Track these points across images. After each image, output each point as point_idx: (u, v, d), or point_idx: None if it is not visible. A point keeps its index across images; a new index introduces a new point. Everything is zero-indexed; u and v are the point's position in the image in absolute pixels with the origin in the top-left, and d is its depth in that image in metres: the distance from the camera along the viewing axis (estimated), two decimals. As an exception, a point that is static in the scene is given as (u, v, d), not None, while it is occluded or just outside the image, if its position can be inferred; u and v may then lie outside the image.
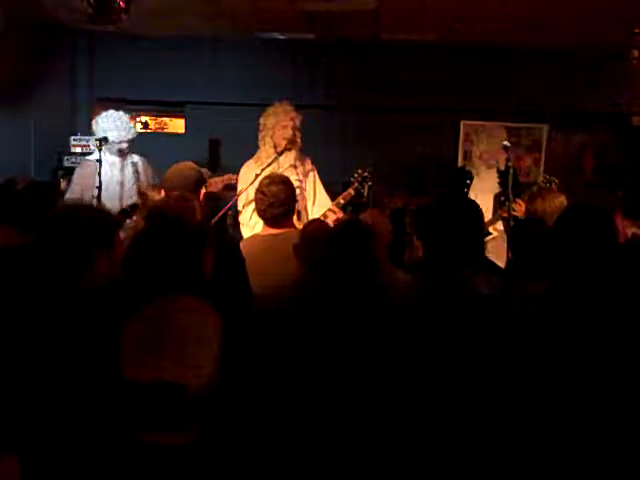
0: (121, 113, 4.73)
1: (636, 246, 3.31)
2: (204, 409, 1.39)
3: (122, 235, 4.03)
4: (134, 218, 3.95)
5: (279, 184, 3.35)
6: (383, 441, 1.90)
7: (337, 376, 1.98)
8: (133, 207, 4.08)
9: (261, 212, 3.36)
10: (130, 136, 4.69)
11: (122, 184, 4.65)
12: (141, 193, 4.52)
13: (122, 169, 4.68)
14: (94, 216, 2.23)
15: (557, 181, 4.35)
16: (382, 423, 1.92)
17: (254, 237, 3.49)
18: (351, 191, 4.18)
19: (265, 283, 2.82)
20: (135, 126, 6.90)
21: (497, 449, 1.92)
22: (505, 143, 4.37)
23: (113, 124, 4.63)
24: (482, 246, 2.57)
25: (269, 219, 3.35)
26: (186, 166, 3.63)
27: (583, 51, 5.75)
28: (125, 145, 4.67)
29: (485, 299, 2.22)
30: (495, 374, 2.02)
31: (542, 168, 6.42)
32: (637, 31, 4.80)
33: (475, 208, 2.58)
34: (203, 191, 3.58)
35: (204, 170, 3.99)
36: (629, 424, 1.91)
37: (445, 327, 2.13)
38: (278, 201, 3.30)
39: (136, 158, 4.77)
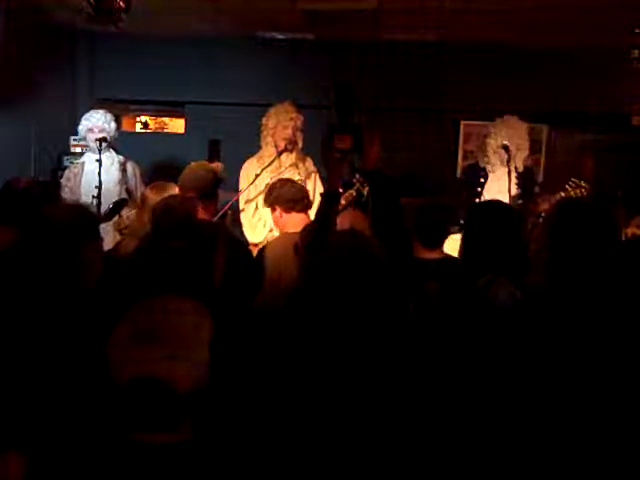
0: (101, 111, 4.83)
1: (636, 247, 3.30)
2: (193, 408, 1.38)
3: (112, 231, 4.07)
4: (123, 215, 3.97)
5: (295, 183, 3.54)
6: (379, 445, 1.90)
7: (334, 378, 1.97)
8: (120, 203, 4.10)
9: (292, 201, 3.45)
10: (98, 124, 4.71)
11: (109, 181, 4.68)
12: (130, 192, 4.58)
13: (108, 167, 4.69)
14: (77, 212, 2.23)
15: (586, 186, 4.07)
16: (377, 428, 1.92)
17: (283, 235, 3.51)
18: (352, 192, 4.18)
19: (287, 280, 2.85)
20: (135, 126, 6.98)
21: (507, 455, 1.91)
22: (505, 143, 4.33)
23: (87, 121, 4.75)
24: (511, 253, 2.49)
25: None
26: (202, 167, 3.62)
27: (583, 51, 5.74)
28: (101, 140, 4.65)
29: (500, 309, 2.17)
30: (502, 380, 2.00)
31: (542, 168, 6.41)
32: (637, 31, 4.80)
33: (511, 213, 2.55)
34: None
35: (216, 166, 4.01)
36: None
37: (453, 335, 2.12)
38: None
39: (123, 159, 4.84)
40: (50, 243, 2.07)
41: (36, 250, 2.08)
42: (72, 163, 5.15)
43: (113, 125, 4.83)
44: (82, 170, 4.74)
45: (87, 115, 4.82)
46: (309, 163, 4.54)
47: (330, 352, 1.99)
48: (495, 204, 2.79)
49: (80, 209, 2.34)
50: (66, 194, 4.63)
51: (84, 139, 4.85)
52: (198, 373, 1.37)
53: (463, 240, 2.58)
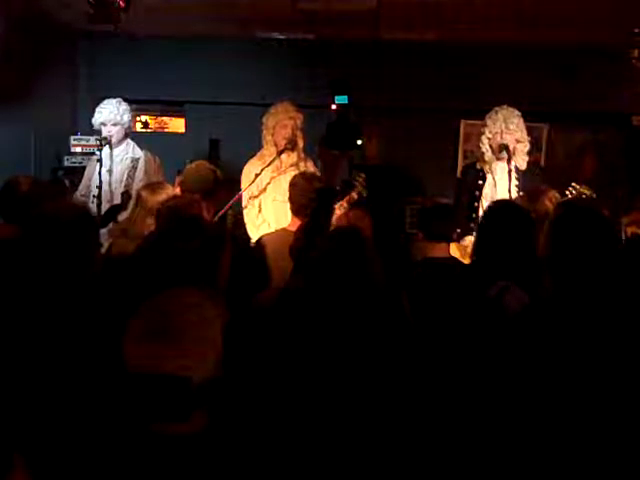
0: (115, 100, 4.61)
1: (636, 247, 3.29)
2: (206, 400, 1.40)
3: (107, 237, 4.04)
4: (122, 218, 3.92)
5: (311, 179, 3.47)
6: (385, 440, 1.90)
7: (327, 376, 1.97)
8: (116, 208, 4.05)
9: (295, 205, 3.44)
10: (110, 117, 4.51)
11: (116, 179, 4.52)
12: (127, 193, 4.41)
13: (117, 162, 4.55)
14: (75, 211, 2.27)
15: (589, 193, 3.79)
16: (381, 426, 1.92)
17: (282, 231, 3.51)
18: (354, 195, 4.16)
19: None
20: (135, 125, 6.94)
21: (518, 459, 1.90)
22: (504, 142, 4.10)
23: (98, 107, 4.57)
24: (524, 256, 2.46)
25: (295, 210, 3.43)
26: (203, 167, 3.64)
27: (583, 51, 5.75)
28: (112, 130, 4.51)
29: (512, 317, 2.14)
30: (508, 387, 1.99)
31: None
32: (637, 31, 4.79)
33: (525, 216, 2.51)
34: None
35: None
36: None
37: (462, 339, 2.11)
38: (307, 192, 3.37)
39: (139, 154, 4.63)
40: (50, 239, 2.09)
41: (37, 245, 2.10)
42: (89, 159, 4.86)
43: (127, 117, 4.59)
44: (95, 166, 4.48)
45: (100, 107, 4.56)
46: (310, 164, 4.54)
47: (323, 347, 2.00)
48: (509, 205, 2.78)
49: (78, 208, 2.37)
50: (81, 189, 4.55)
51: (99, 131, 4.57)
52: (210, 365, 1.38)
53: (476, 242, 2.57)
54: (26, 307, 1.99)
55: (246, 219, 4.43)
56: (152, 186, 3.60)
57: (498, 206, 2.94)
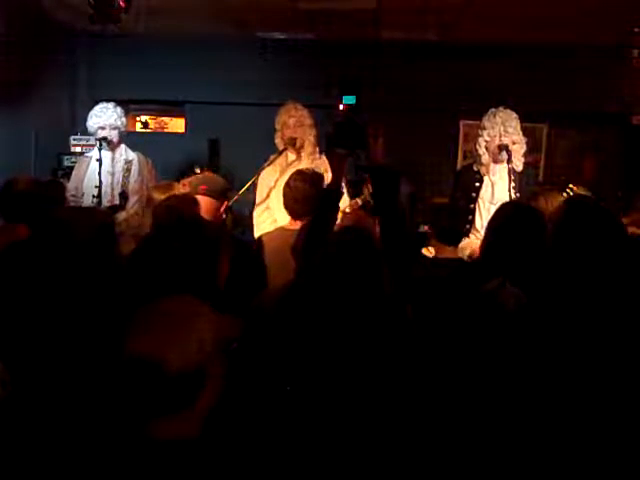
0: (111, 104, 4.63)
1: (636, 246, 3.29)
2: (185, 395, 1.42)
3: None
4: (118, 218, 3.94)
5: (306, 182, 3.39)
6: (379, 441, 1.90)
7: (328, 379, 1.97)
8: (112, 209, 4.07)
9: (284, 205, 3.43)
10: (110, 121, 4.53)
11: (114, 181, 4.54)
12: (124, 194, 4.42)
13: (112, 162, 4.57)
14: (96, 224, 2.29)
15: (585, 193, 3.78)
16: (377, 424, 1.92)
17: (281, 229, 3.49)
18: (358, 201, 4.15)
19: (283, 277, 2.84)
20: (135, 125, 6.96)
21: (513, 457, 1.90)
22: (503, 142, 4.05)
23: (94, 112, 4.58)
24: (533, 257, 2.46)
25: (290, 212, 3.41)
26: (211, 175, 3.76)
27: (583, 51, 5.75)
28: (112, 134, 4.53)
29: (507, 315, 2.15)
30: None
31: (542, 168, 6.42)
32: (637, 31, 4.80)
33: (541, 219, 2.51)
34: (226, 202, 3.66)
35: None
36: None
37: (458, 338, 2.11)
38: (302, 198, 3.33)
39: (132, 156, 4.66)
40: (69, 248, 2.12)
41: (55, 252, 2.13)
42: (79, 158, 4.94)
43: (124, 120, 4.64)
44: (88, 166, 4.55)
45: (97, 111, 4.57)
46: (320, 161, 4.44)
47: (326, 349, 2.00)
48: (523, 206, 2.78)
49: (98, 218, 2.40)
50: (70, 190, 4.56)
51: (93, 135, 4.62)
52: (188, 359, 1.42)
53: (487, 241, 2.56)
54: (36, 307, 2.01)
55: (255, 222, 4.42)
56: (162, 186, 3.62)
57: (514, 207, 2.92)
